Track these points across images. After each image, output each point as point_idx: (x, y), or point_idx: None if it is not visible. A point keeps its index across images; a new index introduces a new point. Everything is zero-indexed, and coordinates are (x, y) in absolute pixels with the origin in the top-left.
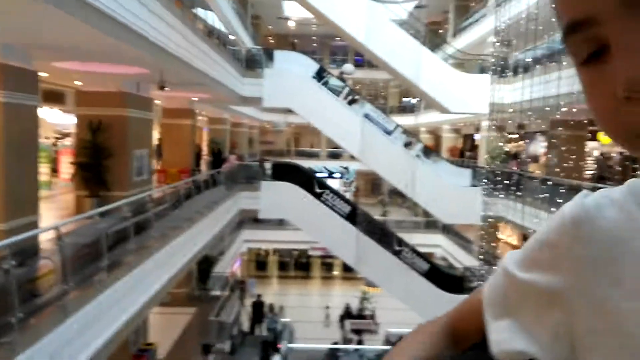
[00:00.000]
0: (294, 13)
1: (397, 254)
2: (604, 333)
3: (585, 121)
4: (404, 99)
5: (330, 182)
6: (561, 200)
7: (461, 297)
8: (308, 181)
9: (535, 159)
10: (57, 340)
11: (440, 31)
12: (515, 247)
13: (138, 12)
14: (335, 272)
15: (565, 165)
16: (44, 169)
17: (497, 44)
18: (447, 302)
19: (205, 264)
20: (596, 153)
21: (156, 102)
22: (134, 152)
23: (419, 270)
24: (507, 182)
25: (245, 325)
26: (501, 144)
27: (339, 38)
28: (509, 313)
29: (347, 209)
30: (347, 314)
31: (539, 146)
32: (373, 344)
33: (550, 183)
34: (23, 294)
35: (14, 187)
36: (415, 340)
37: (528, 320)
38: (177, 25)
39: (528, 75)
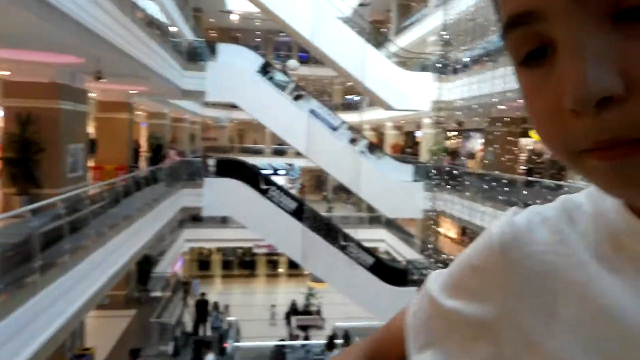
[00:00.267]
0: (237, 6)
1: (342, 249)
2: None
3: (520, 118)
4: (348, 97)
5: (275, 179)
6: (500, 196)
7: (405, 290)
8: (253, 177)
9: (472, 155)
10: None
11: (383, 30)
12: (453, 240)
13: None
14: (281, 270)
15: (502, 160)
16: None
17: (442, 42)
18: (391, 295)
19: (145, 264)
20: (529, 149)
21: (91, 95)
22: (68, 147)
23: (364, 265)
24: (447, 177)
25: (189, 326)
26: (444, 141)
27: (283, 33)
28: (433, 343)
29: (293, 205)
30: (293, 311)
31: (476, 143)
32: (320, 340)
33: (487, 178)
34: None
35: None
36: None
37: (454, 352)
38: (115, 11)
39: (467, 74)
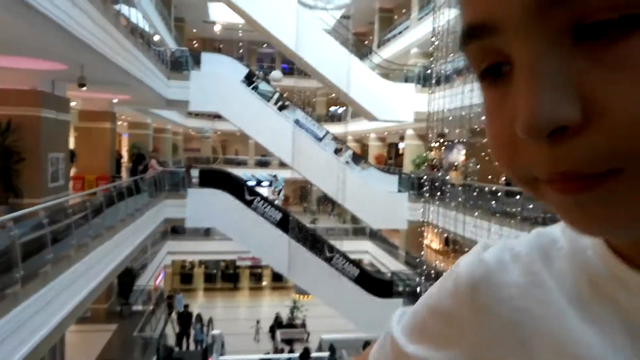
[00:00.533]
0: (220, 17)
1: (328, 260)
2: None
3: None
4: (332, 108)
5: (259, 191)
6: (482, 204)
7: (390, 301)
8: (238, 188)
9: (454, 166)
10: None
11: (366, 42)
12: (437, 252)
13: (57, 1)
14: (264, 283)
15: (484, 172)
16: None
17: (432, 49)
18: (376, 306)
19: (126, 277)
20: None
21: (72, 104)
22: (49, 156)
23: (349, 276)
24: (432, 188)
25: (172, 340)
26: (428, 152)
27: (266, 44)
28: None
29: (278, 216)
30: (277, 324)
31: (459, 154)
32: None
33: (475, 189)
34: None
35: None
36: None
37: None
38: (99, 17)
39: (449, 85)
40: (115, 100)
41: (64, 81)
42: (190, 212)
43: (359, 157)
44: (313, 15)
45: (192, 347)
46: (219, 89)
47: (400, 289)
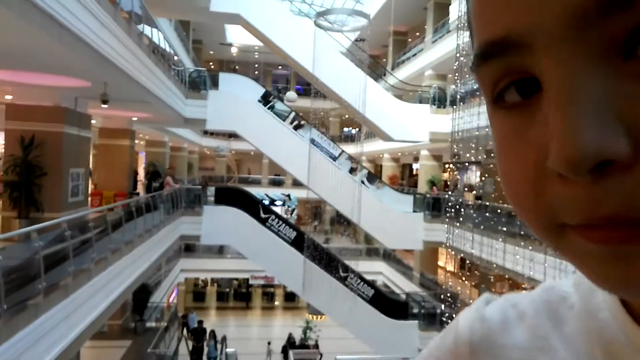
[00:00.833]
0: (236, 39)
1: (342, 280)
2: None
3: None
4: (345, 129)
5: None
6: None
7: (405, 323)
8: (253, 206)
9: (470, 187)
10: None
11: (379, 64)
12: (453, 274)
13: (86, 20)
14: (277, 302)
15: (498, 194)
16: None
17: (457, 68)
18: (391, 328)
19: (142, 293)
20: None
21: (92, 121)
22: (70, 172)
23: (364, 297)
24: (447, 208)
25: (186, 359)
26: (442, 173)
27: (280, 66)
28: None
29: (292, 234)
30: (290, 344)
31: (473, 175)
32: None
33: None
34: None
35: None
36: None
37: None
38: (124, 37)
39: (465, 106)
40: (134, 118)
41: (86, 98)
42: (206, 229)
43: (374, 177)
44: (329, 37)
45: None
46: (236, 108)
47: (416, 310)
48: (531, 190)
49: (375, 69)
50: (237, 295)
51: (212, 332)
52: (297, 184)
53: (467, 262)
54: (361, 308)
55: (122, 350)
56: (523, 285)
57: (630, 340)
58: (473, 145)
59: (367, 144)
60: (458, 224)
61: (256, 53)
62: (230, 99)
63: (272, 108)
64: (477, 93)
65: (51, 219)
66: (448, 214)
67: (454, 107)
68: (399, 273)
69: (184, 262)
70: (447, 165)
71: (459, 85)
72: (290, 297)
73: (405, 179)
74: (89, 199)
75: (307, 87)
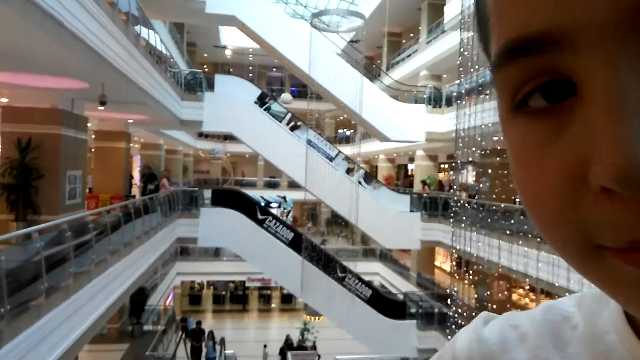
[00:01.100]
0: (230, 42)
1: (340, 281)
2: None
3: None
4: (339, 131)
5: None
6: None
7: (404, 323)
8: (250, 207)
9: (465, 187)
10: None
11: (374, 66)
12: (448, 273)
13: (84, 20)
14: (273, 305)
15: (496, 192)
16: None
17: (460, 67)
18: (390, 328)
19: (139, 296)
20: None
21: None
22: (67, 174)
23: (362, 297)
24: (444, 207)
25: (185, 359)
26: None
27: (275, 68)
28: None
29: (290, 235)
30: (287, 346)
31: (469, 175)
32: None
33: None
34: None
35: None
36: None
37: None
38: (122, 38)
39: (462, 105)
40: (130, 121)
41: (82, 100)
42: (203, 231)
43: (371, 177)
44: (325, 39)
45: None
46: (232, 109)
47: (413, 310)
48: (562, 207)
49: (371, 69)
50: (234, 297)
51: (211, 333)
52: (292, 185)
53: (465, 261)
54: (359, 308)
55: (119, 354)
56: (523, 286)
57: None
58: (479, 139)
59: (363, 145)
60: (463, 225)
61: (250, 55)
62: (226, 100)
63: (268, 109)
64: (480, 89)
65: (48, 222)
66: (453, 214)
67: (459, 101)
68: (396, 273)
69: (180, 265)
70: (441, 165)
71: (463, 81)
72: (286, 299)
73: (401, 180)
74: (85, 202)
75: (301, 89)
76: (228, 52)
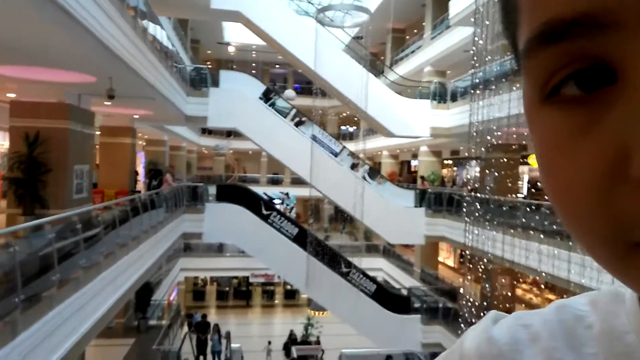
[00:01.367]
0: (233, 39)
1: (345, 275)
2: None
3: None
4: (342, 127)
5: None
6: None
7: (408, 317)
8: (254, 203)
9: (469, 182)
10: None
11: (377, 62)
12: (451, 269)
13: (95, 13)
14: (277, 300)
15: (501, 187)
16: None
17: (474, 60)
18: (394, 322)
19: (145, 291)
20: (526, 177)
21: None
22: (74, 168)
23: (366, 292)
24: (448, 203)
25: (190, 355)
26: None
27: (278, 65)
28: None
29: (295, 231)
30: (291, 341)
31: (473, 171)
32: None
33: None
34: None
35: None
36: None
37: None
38: (130, 32)
39: (468, 101)
40: (136, 116)
41: (89, 95)
42: (208, 226)
43: (376, 172)
44: (330, 34)
45: (209, 359)
46: (237, 105)
47: (417, 305)
48: (597, 201)
49: (375, 65)
50: (237, 293)
51: (216, 326)
52: (295, 182)
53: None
54: (364, 303)
55: (125, 348)
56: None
57: None
58: (495, 128)
59: (367, 142)
60: (474, 221)
61: (254, 52)
62: (231, 96)
63: (273, 105)
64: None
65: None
66: (467, 211)
67: (474, 92)
68: (399, 269)
69: (184, 261)
70: (444, 161)
71: (477, 73)
72: (290, 294)
73: (404, 176)
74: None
75: (304, 85)
76: (231, 49)
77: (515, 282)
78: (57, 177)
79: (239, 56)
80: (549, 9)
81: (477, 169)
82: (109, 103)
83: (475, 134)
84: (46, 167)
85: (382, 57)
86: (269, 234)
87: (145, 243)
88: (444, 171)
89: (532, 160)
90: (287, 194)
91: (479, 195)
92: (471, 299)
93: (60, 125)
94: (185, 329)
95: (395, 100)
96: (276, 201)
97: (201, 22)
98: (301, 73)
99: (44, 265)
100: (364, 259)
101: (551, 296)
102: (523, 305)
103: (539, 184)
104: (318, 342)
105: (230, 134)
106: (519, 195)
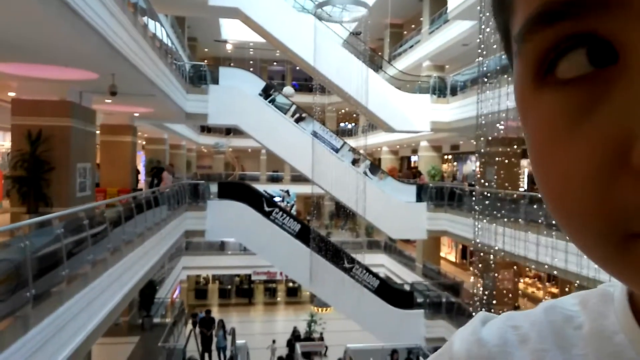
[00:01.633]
0: (231, 36)
1: (348, 271)
2: None
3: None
4: (341, 124)
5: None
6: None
7: (411, 312)
8: (256, 200)
9: (468, 177)
10: None
11: (376, 57)
12: (453, 264)
13: (97, 9)
14: (279, 298)
15: (501, 181)
16: None
17: (480, 54)
18: (397, 318)
19: (148, 289)
20: (527, 171)
21: None
22: (77, 166)
23: (369, 288)
24: (450, 197)
25: (195, 352)
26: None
27: (276, 62)
28: None
29: (297, 227)
30: (295, 338)
31: (473, 165)
32: None
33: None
34: None
35: None
36: None
37: None
38: (132, 29)
39: (467, 95)
40: (136, 114)
41: (90, 93)
42: (210, 224)
43: (377, 168)
44: (329, 30)
45: (214, 356)
46: (237, 102)
47: (420, 300)
48: (595, 191)
49: (373, 61)
50: (240, 291)
51: (221, 322)
52: (295, 179)
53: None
54: (367, 299)
55: (130, 346)
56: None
57: None
58: (501, 122)
59: (367, 138)
60: (482, 216)
61: (251, 50)
62: (231, 93)
63: (273, 101)
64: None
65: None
66: (475, 205)
67: (481, 82)
68: (401, 264)
69: (186, 259)
70: (445, 156)
71: (483, 63)
72: (292, 292)
73: (404, 172)
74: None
75: (303, 82)
76: (229, 47)
77: (519, 276)
78: (60, 175)
79: (236, 54)
80: None
81: (477, 163)
82: (110, 100)
83: (483, 122)
84: (49, 165)
85: (380, 53)
86: (272, 231)
87: (149, 240)
88: (444, 166)
89: None
90: (287, 192)
91: (487, 189)
92: (480, 291)
93: (62, 123)
94: (190, 326)
95: (395, 96)
96: (276, 199)
97: (198, 19)
98: (299, 70)
99: (52, 261)
100: (366, 255)
101: (553, 289)
102: (526, 299)
103: None
104: (321, 339)
105: (230, 131)
106: (519, 189)
